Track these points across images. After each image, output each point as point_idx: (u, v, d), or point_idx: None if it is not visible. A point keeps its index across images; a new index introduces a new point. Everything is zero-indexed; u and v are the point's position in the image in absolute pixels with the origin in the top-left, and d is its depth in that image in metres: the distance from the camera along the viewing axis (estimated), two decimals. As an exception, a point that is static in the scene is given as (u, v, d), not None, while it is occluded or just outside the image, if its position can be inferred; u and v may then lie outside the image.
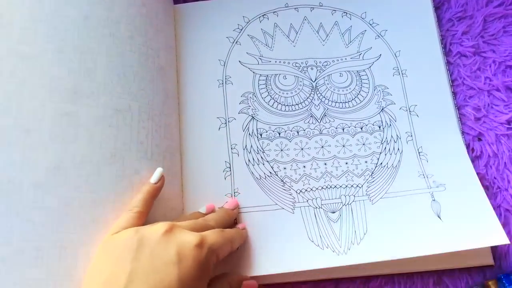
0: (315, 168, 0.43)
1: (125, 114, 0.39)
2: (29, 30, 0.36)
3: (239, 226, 0.41)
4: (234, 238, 0.37)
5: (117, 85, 0.40)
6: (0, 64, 0.35)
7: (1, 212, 0.33)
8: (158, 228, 0.33)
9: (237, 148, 0.44)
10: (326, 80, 0.46)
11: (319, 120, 0.45)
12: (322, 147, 0.44)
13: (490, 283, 0.41)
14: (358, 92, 0.46)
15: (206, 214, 0.40)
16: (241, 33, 0.48)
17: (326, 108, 0.45)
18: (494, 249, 0.42)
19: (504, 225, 0.43)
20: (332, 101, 0.46)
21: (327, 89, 0.46)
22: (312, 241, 0.40)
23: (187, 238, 0.33)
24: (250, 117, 0.45)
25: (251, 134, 0.44)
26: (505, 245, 0.42)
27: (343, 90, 0.46)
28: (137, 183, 0.38)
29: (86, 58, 0.39)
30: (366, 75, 0.47)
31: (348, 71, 0.47)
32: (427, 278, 0.42)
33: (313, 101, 0.46)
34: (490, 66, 0.48)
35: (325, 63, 0.47)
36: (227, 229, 0.38)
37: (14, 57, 0.36)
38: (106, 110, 0.38)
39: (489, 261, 0.41)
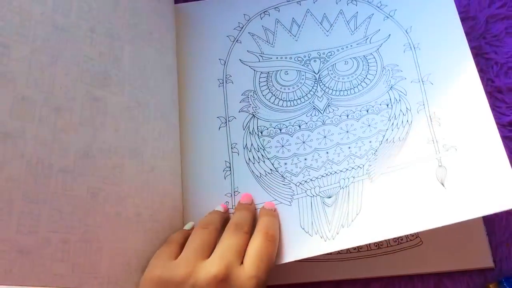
0: (316, 159, 0.42)
1: (144, 108, 0.39)
2: (64, 0, 0.35)
3: (267, 206, 0.40)
4: (277, 240, 0.37)
5: (139, 78, 0.39)
6: (34, 28, 0.32)
7: (28, 196, 0.30)
8: (211, 277, 0.32)
9: (237, 147, 0.43)
10: (330, 71, 0.45)
11: (322, 112, 0.44)
12: (325, 137, 0.43)
13: (491, 286, 0.40)
14: (364, 76, 0.44)
15: (224, 212, 0.40)
16: (241, 31, 0.47)
17: (330, 98, 0.44)
18: (495, 252, 0.42)
19: (506, 228, 0.42)
20: (336, 90, 0.44)
21: (331, 79, 0.45)
22: (303, 229, 0.39)
23: (244, 279, 0.33)
24: (250, 116, 0.44)
25: (251, 132, 0.44)
26: (506, 248, 0.42)
27: (348, 78, 0.45)
28: (152, 180, 0.38)
29: (114, 44, 0.38)
30: (374, 58, 0.45)
31: (354, 57, 0.45)
32: (427, 281, 0.41)
33: (316, 93, 0.44)
34: (492, 68, 0.48)
35: (329, 54, 0.46)
36: (269, 232, 0.37)
37: (49, 25, 0.33)
38: (130, 101, 0.38)
39: (490, 263, 0.41)
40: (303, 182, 0.41)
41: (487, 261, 0.41)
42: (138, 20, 0.41)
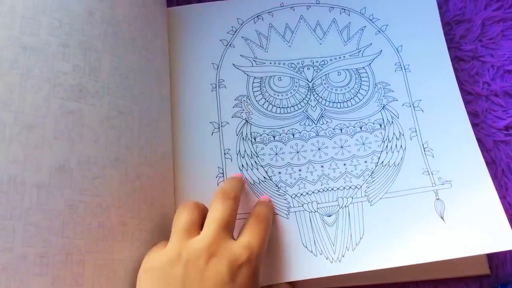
0: (311, 171, 0.42)
1: (127, 116, 0.38)
2: (33, 21, 0.35)
3: (263, 199, 0.40)
4: (269, 221, 0.37)
5: (120, 86, 0.38)
6: (1, 52, 0.33)
7: (1, 214, 0.30)
8: (201, 249, 0.32)
9: (230, 153, 0.43)
10: (323, 80, 0.45)
11: (315, 122, 0.44)
12: (319, 149, 0.43)
13: (487, 292, 0.40)
14: (357, 90, 0.45)
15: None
16: (234, 35, 0.47)
17: (323, 109, 0.44)
18: (491, 258, 0.41)
19: (502, 233, 0.42)
20: (329, 101, 0.44)
21: (324, 89, 0.45)
22: (306, 247, 0.39)
23: (235, 253, 0.32)
24: (244, 121, 0.44)
25: (244, 138, 0.43)
26: (503, 254, 0.42)
27: (341, 89, 0.45)
28: (138, 189, 0.37)
29: (90, 56, 0.37)
30: (366, 72, 0.45)
31: (347, 69, 0.46)
32: (423, 287, 0.41)
33: (309, 102, 0.44)
34: (488, 71, 0.47)
35: (322, 62, 0.46)
36: (261, 212, 0.37)
37: (17, 47, 0.33)
38: (110, 111, 0.37)
39: (486, 270, 0.41)
40: (299, 195, 0.41)
41: (483, 268, 0.41)
42: (117, 28, 0.40)
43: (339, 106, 0.44)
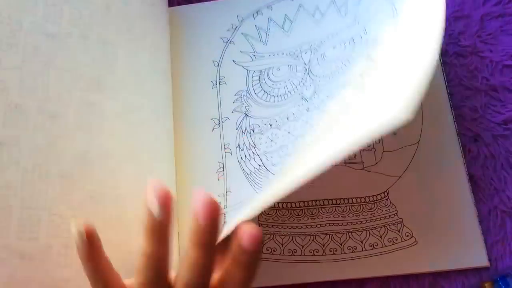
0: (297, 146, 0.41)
1: (140, 113, 0.39)
2: (55, 8, 0.35)
3: (246, 239, 0.27)
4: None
5: (133, 82, 0.39)
6: (25, 37, 0.33)
7: (27, 203, 0.30)
8: None
9: (230, 147, 0.43)
10: (319, 59, 0.45)
11: (308, 100, 0.43)
12: (307, 122, 0.42)
13: (486, 285, 0.40)
14: (349, 55, 0.43)
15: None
16: (234, 32, 0.48)
17: (316, 86, 0.44)
18: (490, 251, 0.42)
19: (501, 226, 0.42)
20: (323, 76, 0.44)
21: (320, 67, 0.44)
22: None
23: None
24: (243, 115, 0.44)
25: (244, 131, 0.44)
26: (502, 247, 0.42)
27: (335, 62, 0.44)
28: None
29: (107, 50, 0.38)
30: (361, 37, 0.43)
31: (343, 42, 0.44)
32: (422, 280, 0.41)
33: (304, 83, 0.44)
34: (487, 66, 0.48)
35: (320, 43, 0.46)
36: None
37: (39, 34, 0.34)
38: (125, 106, 0.38)
39: (485, 263, 0.41)
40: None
41: (482, 260, 0.41)
42: (131, 24, 0.41)
43: (330, 77, 0.43)
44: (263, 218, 0.42)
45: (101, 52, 0.37)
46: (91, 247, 0.29)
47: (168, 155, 0.42)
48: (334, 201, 0.43)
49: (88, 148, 0.35)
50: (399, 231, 0.42)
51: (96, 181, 0.34)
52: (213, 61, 0.46)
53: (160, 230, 0.27)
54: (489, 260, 0.41)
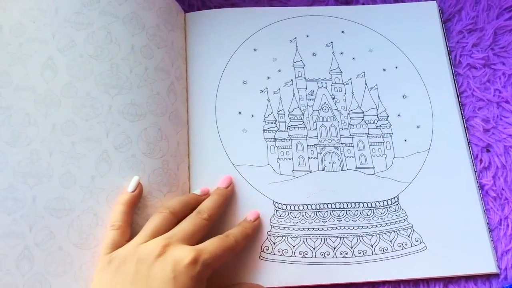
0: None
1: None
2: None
3: (250, 217, 0.42)
4: (237, 243, 0.38)
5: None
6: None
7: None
8: (153, 248, 0.34)
9: None
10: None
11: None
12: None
13: (495, 293, 0.41)
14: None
15: (201, 195, 0.41)
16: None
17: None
18: (501, 260, 0.42)
19: (511, 236, 0.43)
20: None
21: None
22: None
23: (182, 255, 0.34)
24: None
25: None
26: (512, 255, 0.42)
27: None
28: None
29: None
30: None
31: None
32: (433, 286, 0.42)
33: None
34: (499, 78, 0.48)
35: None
36: (231, 233, 0.38)
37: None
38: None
39: (494, 269, 0.41)
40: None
41: (491, 267, 0.41)
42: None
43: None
44: (275, 220, 0.43)
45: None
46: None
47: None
48: (345, 205, 0.43)
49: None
50: (409, 236, 0.42)
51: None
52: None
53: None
54: (499, 268, 0.41)
